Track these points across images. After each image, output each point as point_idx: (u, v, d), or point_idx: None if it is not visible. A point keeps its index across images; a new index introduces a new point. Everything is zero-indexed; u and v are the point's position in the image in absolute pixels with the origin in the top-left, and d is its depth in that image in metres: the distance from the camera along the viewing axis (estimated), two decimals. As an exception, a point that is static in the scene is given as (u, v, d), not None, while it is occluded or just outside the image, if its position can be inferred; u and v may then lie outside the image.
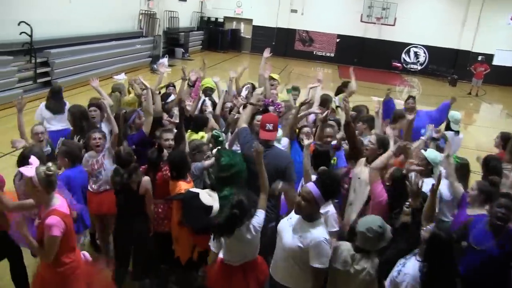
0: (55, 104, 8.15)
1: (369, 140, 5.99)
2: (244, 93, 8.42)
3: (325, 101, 8.87)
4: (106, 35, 19.82)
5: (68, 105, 7.96)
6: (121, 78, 18.36)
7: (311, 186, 4.14)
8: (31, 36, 14.21)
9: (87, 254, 4.42)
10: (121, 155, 5.29)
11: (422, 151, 5.86)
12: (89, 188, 5.95)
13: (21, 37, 14.07)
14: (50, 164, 4.07)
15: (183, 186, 5.10)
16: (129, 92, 9.03)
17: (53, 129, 7.71)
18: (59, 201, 4.10)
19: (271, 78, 9.54)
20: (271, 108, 7.65)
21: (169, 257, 5.46)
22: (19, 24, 13.80)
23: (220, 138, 6.05)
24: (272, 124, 5.39)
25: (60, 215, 3.98)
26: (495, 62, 30.01)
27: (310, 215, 4.20)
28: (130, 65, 20.42)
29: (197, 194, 4.79)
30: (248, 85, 8.92)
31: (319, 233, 4.11)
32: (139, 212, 5.37)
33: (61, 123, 7.97)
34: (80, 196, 5.56)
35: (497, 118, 20.08)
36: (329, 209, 4.96)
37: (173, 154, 5.39)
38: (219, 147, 5.56)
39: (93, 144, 5.97)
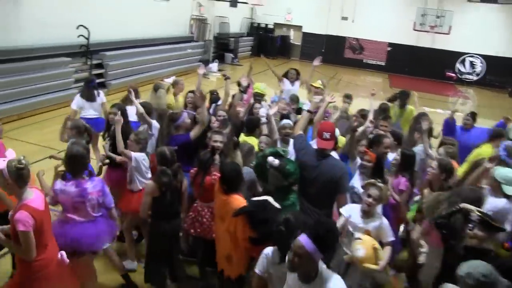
0: (88, 93, 8.97)
1: (431, 165, 5.96)
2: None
3: (384, 110, 8.92)
4: (158, 39, 20.19)
5: (102, 95, 9.25)
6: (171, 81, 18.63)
7: (303, 239, 3.48)
8: (88, 38, 14.62)
9: (64, 254, 4.23)
10: (166, 155, 5.33)
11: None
12: (129, 187, 5.99)
13: (78, 40, 14.53)
14: (22, 157, 4.07)
15: (241, 200, 4.79)
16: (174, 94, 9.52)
17: (87, 116, 8.56)
18: (33, 196, 4.01)
19: (315, 87, 9.95)
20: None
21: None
22: (77, 28, 14.22)
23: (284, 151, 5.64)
24: (329, 133, 5.33)
25: (30, 210, 3.89)
26: None
27: (307, 274, 3.60)
28: (180, 69, 20.70)
29: (264, 200, 4.63)
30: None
31: None
32: (178, 212, 5.48)
33: (93, 111, 8.91)
34: None
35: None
36: (382, 220, 5.12)
37: (227, 166, 4.98)
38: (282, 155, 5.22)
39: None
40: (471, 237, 4.15)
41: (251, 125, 7.15)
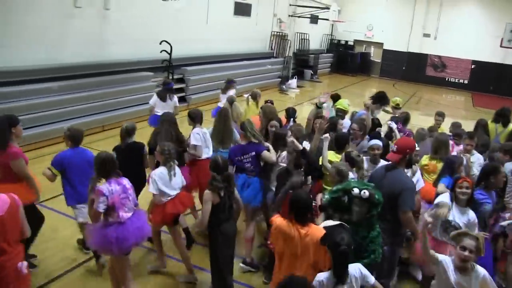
0: (162, 93, 10.02)
1: None
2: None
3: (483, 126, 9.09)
4: (238, 54, 20.46)
5: (175, 98, 10.23)
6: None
7: None
8: (170, 54, 14.97)
9: (24, 265, 4.11)
10: (218, 163, 5.32)
11: None
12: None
13: (161, 55, 14.90)
14: None
15: (319, 227, 4.50)
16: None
17: (159, 113, 8.86)
18: None
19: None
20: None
21: None
22: (160, 43, 14.59)
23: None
24: (396, 146, 5.42)
25: None
26: None
27: None
28: (259, 84, 20.74)
29: (340, 223, 4.44)
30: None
31: None
32: (234, 217, 5.67)
33: (164, 109, 9.23)
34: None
35: None
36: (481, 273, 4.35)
37: (302, 195, 4.60)
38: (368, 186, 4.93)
39: None
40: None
41: (342, 142, 6.84)
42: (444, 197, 5.38)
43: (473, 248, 4.11)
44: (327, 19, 26.99)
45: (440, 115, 9.80)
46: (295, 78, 23.96)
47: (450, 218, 5.18)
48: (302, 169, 5.87)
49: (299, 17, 26.33)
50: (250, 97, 10.66)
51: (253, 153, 6.34)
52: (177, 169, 5.84)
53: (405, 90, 26.69)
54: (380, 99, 9.89)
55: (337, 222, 4.43)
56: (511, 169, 6.67)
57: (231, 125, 7.58)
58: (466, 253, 4.11)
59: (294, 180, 5.35)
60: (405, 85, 29.66)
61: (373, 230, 4.66)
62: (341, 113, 8.84)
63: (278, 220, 4.47)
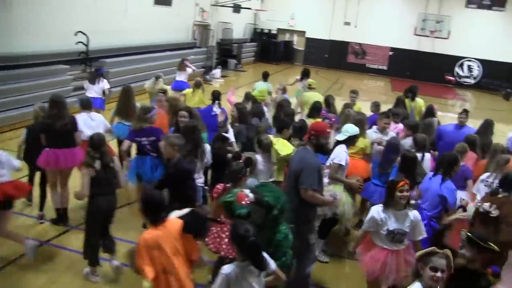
0: (92, 76, 11.28)
1: None
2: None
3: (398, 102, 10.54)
4: (160, 45, 20.03)
5: (104, 82, 11.27)
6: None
7: None
8: (87, 45, 14.44)
9: None
10: (93, 139, 5.66)
11: None
12: None
13: (77, 47, 14.34)
14: None
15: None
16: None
17: (89, 95, 10.29)
18: None
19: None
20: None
21: None
22: (76, 34, 14.03)
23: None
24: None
25: None
26: None
27: None
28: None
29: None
30: None
31: None
32: (114, 190, 5.91)
33: (93, 93, 10.72)
34: None
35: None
36: None
37: (151, 194, 4.46)
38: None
39: None
40: (459, 257, 4.00)
41: (280, 126, 7.20)
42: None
43: (444, 267, 3.71)
44: (250, 8, 26.95)
45: (354, 92, 10.83)
46: (219, 68, 23.79)
47: (390, 228, 4.96)
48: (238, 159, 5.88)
49: (221, 6, 26.10)
50: (194, 85, 11.10)
51: (153, 138, 6.78)
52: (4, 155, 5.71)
53: (328, 77, 27.12)
54: (305, 73, 13.04)
55: (187, 210, 4.43)
56: (410, 144, 7.23)
57: (134, 101, 8.49)
58: (439, 274, 3.69)
59: (233, 168, 5.42)
60: (328, 72, 30.12)
61: (278, 233, 4.45)
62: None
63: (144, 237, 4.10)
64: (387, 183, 5.20)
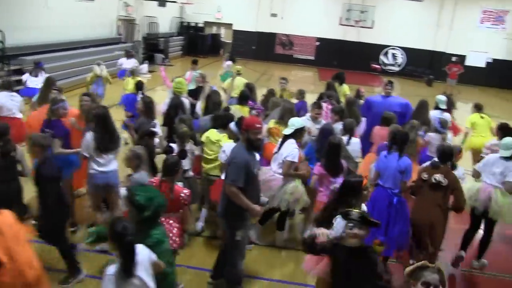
0: (33, 69, 12.01)
1: None
2: None
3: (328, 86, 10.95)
4: (83, 41, 19.18)
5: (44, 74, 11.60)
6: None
7: None
8: (3, 42, 13.58)
9: None
10: None
11: None
12: None
13: (-8, 45, 13.47)
14: None
15: None
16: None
17: (31, 86, 11.21)
18: None
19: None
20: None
21: None
22: (-11, 31, 13.17)
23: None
24: None
25: None
26: (468, 63, 30.12)
27: None
28: (109, 71, 19.68)
29: None
30: None
31: None
32: (15, 177, 5.93)
33: (34, 84, 11.13)
34: None
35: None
36: None
37: None
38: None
39: None
40: (351, 237, 3.84)
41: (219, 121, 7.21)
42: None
43: (438, 282, 3.46)
44: (175, 1, 26.41)
45: (284, 79, 11.45)
46: (146, 63, 23.09)
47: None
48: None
49: (146, 0, 25.42)
50: (130, 72, 12.22)
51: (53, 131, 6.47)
52: None
53: (256, 69, 27.01)
54: (231, 58, 14.95)
55: None
56: (341, 128, 7.60)
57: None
58: None
59: (168, 162, 5.25)
60: (256, 64, 30.01)
61: (149, 237, 4.18)
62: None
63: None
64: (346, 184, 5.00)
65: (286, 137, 6.58)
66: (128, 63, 14.22)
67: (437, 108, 9.56)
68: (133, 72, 11.93)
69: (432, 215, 5.91)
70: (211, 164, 6.88)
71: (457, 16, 31.27)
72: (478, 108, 10.51)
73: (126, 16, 23.34)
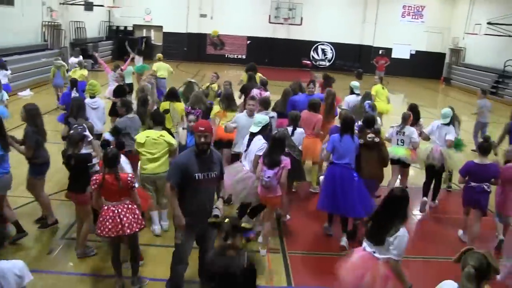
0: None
1: None
2: None
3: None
4: (6, 49, 18.19)
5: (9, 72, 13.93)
6: (27, 94, 16.97)
7: None
8: None
9: None
10: None
11: None
12: None
13: None
14: None
15: None
16: None
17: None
18: None
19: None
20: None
21: None
22: None
23: None
24: None
25: None
26: (394, 55, 31.52)
27: None
28: (36, 80, 18.90)
29: None
30: None
31: None
32: None
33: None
34: None
35: (400, 106, 20.31)
36: None
37: None
38: None
39: None
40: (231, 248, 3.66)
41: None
42: None
43: (485, 265, 3.36)
44: (102, 5, 25.66)
45: (215, 73, 12.00)
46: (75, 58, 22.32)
47: None
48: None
49: (72, 4, 24.57)
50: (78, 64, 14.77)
51: None
52: None
53: (188, 70, 26.65)
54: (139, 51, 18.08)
55: None
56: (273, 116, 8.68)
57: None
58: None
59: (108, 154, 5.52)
60: (188, 65, 29.66)
61: None
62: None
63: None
64: None
65: (253, 135, 6.93)
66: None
67: (352, 93, 11.65)
68: (80, 64, 14.58)
69: (377, 170, 7.47)
70: (155, 162, 6.90)
71: (380, 11, 32.50)
72: (380, 80, 14.99)
73: (50, 22, 22.44)
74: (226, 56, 32.97)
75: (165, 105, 9.14)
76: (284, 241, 7.42)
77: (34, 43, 21.11)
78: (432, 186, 9.04)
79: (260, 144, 6.78)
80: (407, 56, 32.97)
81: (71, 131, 6.52)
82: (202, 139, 4.99)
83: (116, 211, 5.39)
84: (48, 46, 22.23)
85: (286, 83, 14.13)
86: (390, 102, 14.17)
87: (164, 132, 7.03)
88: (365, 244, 4.87)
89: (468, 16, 30.31)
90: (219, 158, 5.36)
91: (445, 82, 31.02)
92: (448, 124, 8.78)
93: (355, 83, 11.99)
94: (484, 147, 7.40)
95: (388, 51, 30.34)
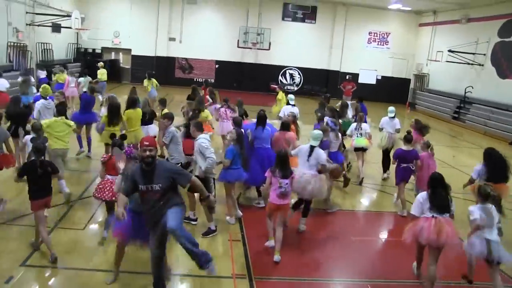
0: None
1: None
2: None
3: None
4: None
5: None
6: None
7: None
8: None
9: None
10: None
11: None
12: None
13: None
14: None
15: None
16: None
17: None
18: None
19: None
20: None
21: None
22: None
23: None
24: None
25: None
26: (361, 80, 32.30)
27: None
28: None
29: None
30: None
31: None
32: None
33: None
34: None
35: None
36: None
37: None
38: None
39: None
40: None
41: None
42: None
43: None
44: (70, 27, 25.28)
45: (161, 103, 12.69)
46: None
47: None
48: None
49: (39, 25, 24.16)
50: None
51: None
52: None
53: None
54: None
55: None
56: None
57: None
58: None
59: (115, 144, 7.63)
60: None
61: None
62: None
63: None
64: None
65: (313, 147, 8.43)
66: None
67: (288, 104, 14.86)
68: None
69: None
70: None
71: (347, 37, 33.11)
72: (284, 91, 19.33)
73: (16, 42, 21.99)
74: (195, 79, 32.82)
75: (129, 113, 11.16)
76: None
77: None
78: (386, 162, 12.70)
79: (325, 155, 8.89)
80: (374, 81, 33.55)
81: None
82: (147, 153, 5.44)
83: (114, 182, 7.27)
84: (14, 67, 21.70)
85: (255, 107, 14.42)
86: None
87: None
88: (430, 214, 6.53)
89: (430, 44, 31.10)
90: (169, 171, 5.63)
91: (410, 107, 31.49)
92: (394, 118, 12.95)
93: (291, 96, 15.29)
94: (408, 138, 9.87)
95: (355, 76, 30.95)
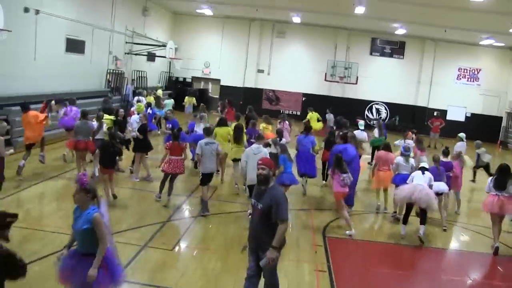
0: None
1: None
2: None
3: None
4: (71, 93, 18.57)
5: None
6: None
7: None
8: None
9: None
10: None
11: None
12: None
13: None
14: None
15: None
16: None
17: None
18: None
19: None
20: None
21: None
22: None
23: None
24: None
25: None
26: (449, 117, 31.07)
27: None
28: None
29: None
30: None
31: None
32: None
33: None
34: None
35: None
36: None
37: None
38: None
39: None
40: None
41: None
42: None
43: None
44: (164, 57, 26.25)
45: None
46: (135, 116, 22.69)
47: None
48: None
49: (135, 54, 25.27)
50: None
51: None
52: None
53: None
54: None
55: None
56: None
57: None
58: None
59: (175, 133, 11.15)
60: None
61: None
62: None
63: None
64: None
65: (424, 168, 10.23)
66: None
67: (357, 129, 17.64)
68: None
69: None
70: None
71: (436, 73, 32.15)
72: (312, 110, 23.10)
73: (115, 70, 23.06)
74: (282, 111, 32.87)
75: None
76: None
77: (99, 89, 21.66)
78: None
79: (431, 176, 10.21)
80: (463, 119, 32.04)
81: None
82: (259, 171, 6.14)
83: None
84: (111, 92, 22.73)
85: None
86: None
87: None
88: (493, 192, 9.72)
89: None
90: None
91: (502, 146, 29.86)
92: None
93: (361, 122, 18.59)
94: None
95: (443, 112, 30.00)
